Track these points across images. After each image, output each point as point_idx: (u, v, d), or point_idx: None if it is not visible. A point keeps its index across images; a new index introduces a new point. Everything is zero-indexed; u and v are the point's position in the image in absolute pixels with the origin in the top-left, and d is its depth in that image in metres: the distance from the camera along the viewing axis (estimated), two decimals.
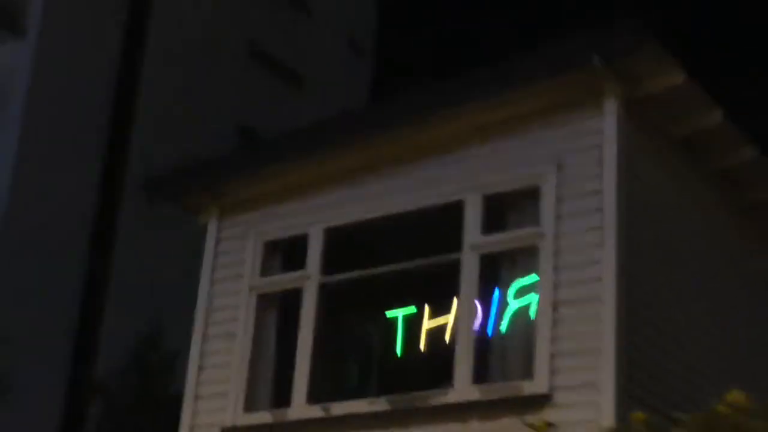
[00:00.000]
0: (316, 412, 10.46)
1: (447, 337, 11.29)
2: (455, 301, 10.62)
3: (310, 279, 11.02)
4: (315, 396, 10.62)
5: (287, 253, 11.44)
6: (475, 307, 10.09)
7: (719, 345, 10.63)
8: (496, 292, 10.16)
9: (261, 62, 38.42)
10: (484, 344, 10.02)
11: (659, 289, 9.94)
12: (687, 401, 9.88)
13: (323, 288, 11.02)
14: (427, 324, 11.80)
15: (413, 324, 12.04)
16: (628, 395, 9.14)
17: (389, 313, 12.15)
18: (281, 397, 10.89)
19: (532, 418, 9.15)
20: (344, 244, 11.19)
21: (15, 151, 31.30)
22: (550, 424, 8.99)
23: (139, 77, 35.33)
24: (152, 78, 35.25)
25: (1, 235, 30.24)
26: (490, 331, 10.18)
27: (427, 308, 11.83)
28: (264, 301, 11.33)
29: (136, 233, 30.60)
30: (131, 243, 30.98)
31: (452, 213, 10.38)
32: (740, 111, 10.83)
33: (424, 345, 11.79)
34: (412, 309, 11.90)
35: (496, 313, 10.18)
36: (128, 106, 34.74)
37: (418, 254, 10.61)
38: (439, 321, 11.60)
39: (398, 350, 12.01)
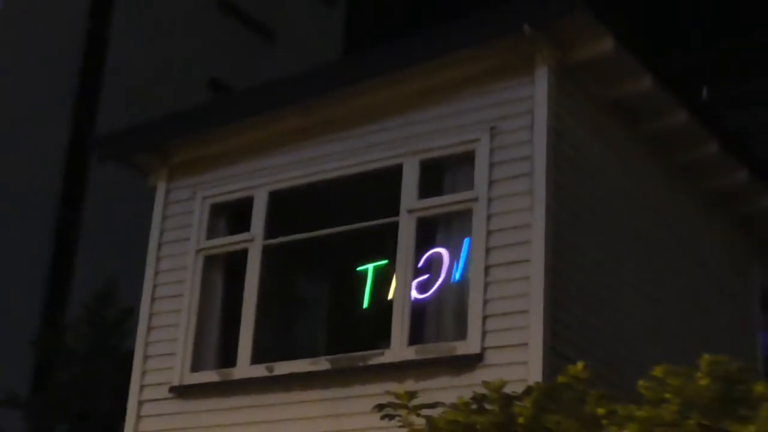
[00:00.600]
0: (260, 371, 10.74)
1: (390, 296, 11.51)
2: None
3: (254, 241, 11.26)
4: (260, 356, 10.91)
5: (234, 215, 11.67)
6: (412, 269, 10.33)
7: (652, 305, 10.94)
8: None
9: (231, 15, 38.49)
10: (420, 305, 10.29)
11: (589, 252, 10.21)
12: (617, 359, 10.27)
13: (267, 250, 11.27)
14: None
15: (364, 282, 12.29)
16: (556, 354, 9.44)
17: (360, 268, 12.33)
18: (228, 357, 11.18)
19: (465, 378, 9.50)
20: (289, 207, 11.44)
21: None
22: None
23: (109, 31, 35.41)
24: (122, 32, 35.34)
25: None
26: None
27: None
28: (211, 262, 11.58)
29: (106, 190, 30.80)
30: (100, 199, 31.22)
31: (392, 176, 10.63)
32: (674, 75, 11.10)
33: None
34: (384, 262, 11.97)
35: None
36: (97, 60, 34.83)
37: (360, 217, 10.86)
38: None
39: (365, 303, 12.21)
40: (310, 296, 13.48)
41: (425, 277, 10.36)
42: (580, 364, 8.08)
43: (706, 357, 7.22)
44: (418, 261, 10.35)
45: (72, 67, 34.18)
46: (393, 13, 42.60)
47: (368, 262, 11.84)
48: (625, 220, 10.87)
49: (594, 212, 10.42)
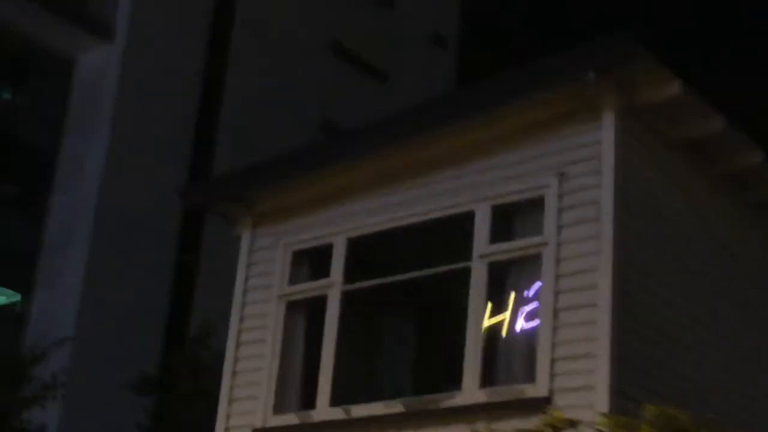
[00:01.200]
0: (338, 414, 11.00)
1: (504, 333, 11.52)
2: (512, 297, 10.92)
3: (333, 287, 11.56)
4: (339, 398, 11.16)
5: (315, 261, 11.97)
6: (483, 312, 10.49)
7: (720, 346, 10.90)
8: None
9: (344, 59, 39.05)
10: (492, 348, 10.45)
11: (659, 293, 10.26)
12: (689, 399, 10.27)
13: (347, 294, 11.55)
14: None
15: None
16: (624, 396, 9.51)
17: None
18: (308, 400, 11.45)
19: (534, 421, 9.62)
20: (368, 252, 11.71)
21: (105, 154, 32.36)
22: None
23: (224, 77, 36.22)
24: (237, 77, 36.11)
25: (95, 235, 31.37)
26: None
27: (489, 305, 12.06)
28: (292, 308, 11.90)
29: (221, 230, 31.43)
30: (214, 245, 31.80)
31: (465, 222, 10.83)
32: (744, 112, 11.11)
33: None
34: None
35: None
36: (214, 106, 35.64)
37: (436, 261, 11.08)
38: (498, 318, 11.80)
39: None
40: (397, 337, 13.68)
41: (534, 306, 10.44)
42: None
43: (651, 408, 7.38)
44: (487, 304, 10.51)
45: (189, 111, 34.98)
46: (504, 52, 42.74)
47: (452, 302, 11.99)
48: (694, 260, 10.89)
49: (663, 253, 10.47)
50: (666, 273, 10.44)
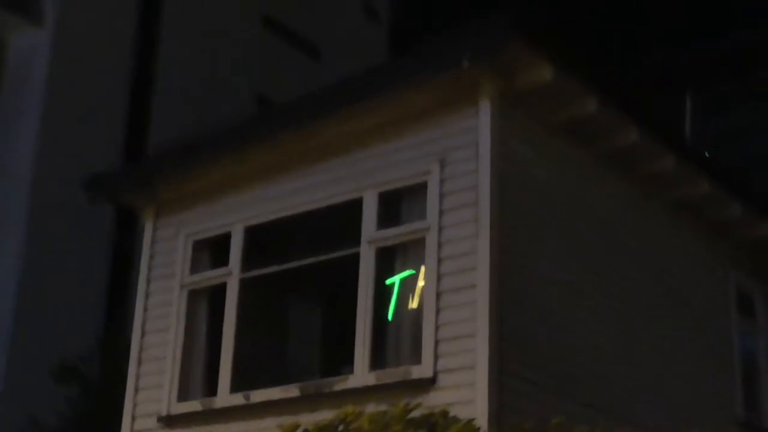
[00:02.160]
0: (238, 399, 11.35)
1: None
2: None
3: (231, 275, 11.88)
4: (244, 384, 11.51)
5: (215, 250, 12.28)
6: (372, 297, 10.86)
7: (605, 324, 11.31)
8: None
9: (276, 32, 39.17)
10: (380, 332, 10.83)
11: (542, 273, 10.62)
12: (575, 375, 10.72)
13: (246, 282, 11.88)
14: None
15: None
16: (505, 375, 9.91)
17: (388, 280, 12.82)
18: (212, 387, 11.80)
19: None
20: (265, 240, 12.05)
21: (37, 135, 32.37)
22: None
23: (156, 57, 36.31)
24: (170, 51, 36.18)
25: (28, 216, 31.43)
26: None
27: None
28: (195, 296, 12.22)
29: None
30: None
31: (354, 209, 11.18)
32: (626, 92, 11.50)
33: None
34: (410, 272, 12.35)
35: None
36: (146, 85, 35.72)
37: (333, 247, 11.42)
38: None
39: (390, 316, 12.67)
40: (304, 323, 14.04)
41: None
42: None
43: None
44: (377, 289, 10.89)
45: (121, 91, 35.01)
46: (436, 23, 42.96)
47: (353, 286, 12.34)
48: (581, 238, 11.26)
49: (547, 233, 10.83)
50: (549, 253, 10.81)
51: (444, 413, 8.71)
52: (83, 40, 33.40)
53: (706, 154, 12.92)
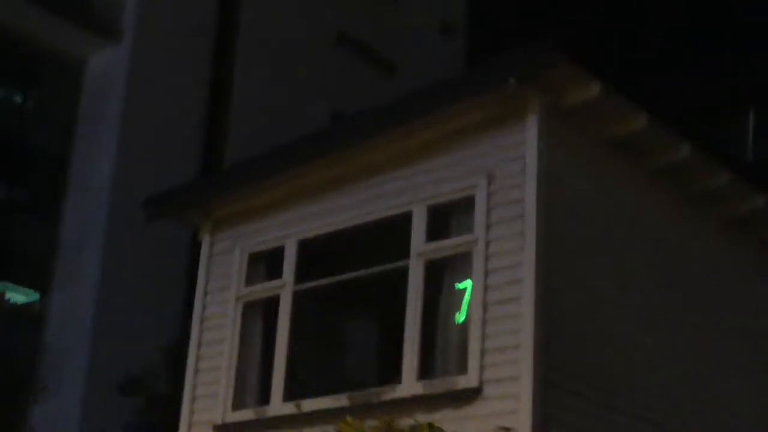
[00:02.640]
0: (290, 408, 11.64)
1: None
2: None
3: (285, 287, 12.19)
4: (292, 394, 11.81)
5: (270, 263, 12.61)
6: (421, 308, 11.11)
7: (653, 340, 11.42)
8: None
9: (351, 50, 39.56)
10: (429, 342, 11.06)
11: (587, 286, 10.79)
12: (619, 388, 10.86)
13: (300, 294, 12.18)
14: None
15: None
16: (549, 385, 10.09)
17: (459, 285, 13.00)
18: (265, 396, 12.11)
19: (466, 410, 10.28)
20: (318, 254, 12.35)
21: (115, 154, 33.06)
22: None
23: (232, 76, 36.88)
24: (246, 66, 36.72)
25: (106, 233, 32.09)
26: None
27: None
28: (249, 308, 12.55)
29: None
30: None
31: (404, 223, 11.45)
32: (669, 109, 11.62)
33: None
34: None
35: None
36: (223, 105, 36.29)
37: (380, 261, 11.69)
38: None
39: (462, 318, 12.86)
40: (360, 333, 14.31)
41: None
42: None
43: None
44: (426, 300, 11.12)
45: (198, 110, 35.55)
46: (512, 37, 42.93)
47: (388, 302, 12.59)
48: (628, 255, 11.39)
49: (593, 248, 10.99)
50: (595, 268, 10.96)
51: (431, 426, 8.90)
52: (160, 56, 34.02)
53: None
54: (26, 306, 32.45)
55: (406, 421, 9.40)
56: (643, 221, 11.68)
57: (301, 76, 37.63)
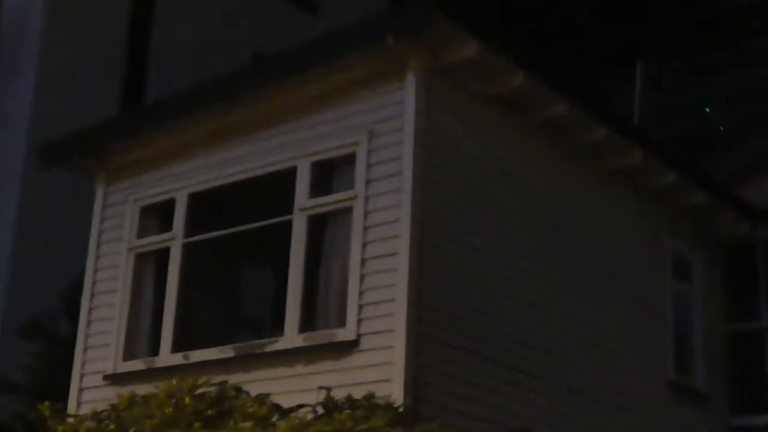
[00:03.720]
0: (178, 359, 11.93)
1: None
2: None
3: (175, 239, 12.45)
4: (180, 344, 12.11)
5: (162, 215, 12.84)
6: (303, 263, 11.42)
7: (532, 295, 11.83)
8: None
9: None
10: (311, 296, 11.39)
11: (464, 239, 11.11)
12: (492, 343, 11.26)
13: (188, 247, 12.45)
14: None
15: None
16: (425, 339, 10.45)
17: None
18: (156, 347, 12.40)
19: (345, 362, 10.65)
20: (209, 207, 12.61)
21: (33, 88, 32.83)
22: None
23: (154, 8, 36.70)
24: (167, 7, 36.56)
25: (24, 170, 32.01)
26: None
27: None
28: (141, 260, 12.79)
29: None
30: None
31: (290, 177, 11.72)
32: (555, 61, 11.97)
33: None
34: None
35: None
36: (144, 38, 36.11)
37: (268, 214, 11.96)
38: None
39: None
40: (256, 285, 14.60)
41: None
42: None
43: (190, 381, 8.66)
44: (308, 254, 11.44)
45: (119, 45, 35.29)
46: None
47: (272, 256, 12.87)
48: (508, 209, 11.73)
49: (472, 204, 11.30)
50: (474, 223, 11.27)
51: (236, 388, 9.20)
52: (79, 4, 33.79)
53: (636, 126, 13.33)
54: None
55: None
56: (523, 175, 12.02)
57: (223, 14, 37.53)
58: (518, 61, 11.43)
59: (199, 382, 9.89)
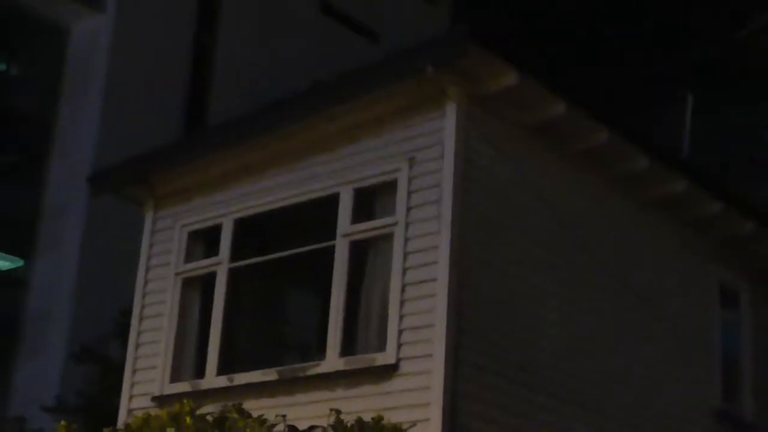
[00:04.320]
0: (223, 381, 12.16)
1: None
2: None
3: (221, 264, 12.69)
4: (225, 367, 12.33)
5: (208, 241, 13.10)
6: (345, 287, 11.59)
7: (568, 322, 11.91)
8: None
9: (334, 19, 39.89)
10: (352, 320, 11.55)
11: (502, 267, 11.25)
12: (527, 369, 11.34)
13: (234, 272, 12.68)
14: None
15: None
16: (461, 362, 10.57)
17: None
18: (201, 369, 12.63)
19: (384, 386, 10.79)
20: (255, 232, 12.84)
21: (99, 118, 33.46)
22: None
23: (215, 42, 37.24)
24: (229, 34, 37.08)
25: (87, 211, 32.50)
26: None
27: None
28: (188, 284, 13.05)
29: None
30: None
31: (333, 203, 11.93)
32: (588, 98, 12.05)
33: None
34: None
35: None
36: (205, 71, 36.66)
37: (312, 240, 12.16)
38: None
39: None
40: (303, 310, 14.80)
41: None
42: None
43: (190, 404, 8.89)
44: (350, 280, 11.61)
45: (180, 77, 35.90)
46: (495, 6, 43.25)
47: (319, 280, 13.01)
48: (545, 237, 11.82)
49: (510, 231, 11.42)
50: (511, 250, 11.41)
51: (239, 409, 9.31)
52: (143, 23, 34.37)
53: (681, 155, 13.36)
54: (11, 272, 32.95)
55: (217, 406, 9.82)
56: (561, 204, 12.10)
57: (284, 43, 37.99)
58: (559, 90, 11.54)
59: (243, 404, 10.18)
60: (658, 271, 13.24)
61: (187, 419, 8.62)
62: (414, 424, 9.24)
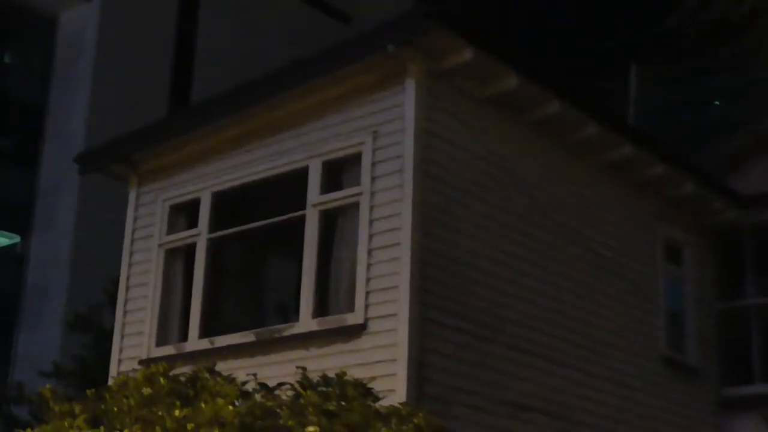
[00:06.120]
0: (204, 344, 12.15)
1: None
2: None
3: (200, 235, 12.67)
4: (207, 331, 12.32)
5: (189, 213, 13.06)
6: (316, 255, 11.58)
7: (528, 280, 11.95)
8: None
9: (309, 2, 39.78)
10: (324, 284, 11.55)
11: (461, 232, 11.24)
12: (489, 325, 11.36)
13: (214, 242, 12.65)
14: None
15: None
16: (426, 321, 10.60)
17: None
18: (185, 333, 12.61)
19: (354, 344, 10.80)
20: (233, 204, 12.82)
21: (88, 103, 33.31)
22: None
23: (197, 24, 37.11)
24: (209, 24, 36.96)
25: (79, 190, 32.38)
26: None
27: None
28: (171, 255, 13.02)
29: None
30: None
31: (303, 176, 11.90)
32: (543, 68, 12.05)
33: None
34: None
35: None
36: (189, 51, 36.52)
37: (285, 211, 12.13)
38: None
39: None
40: (281, 275, 14.78)
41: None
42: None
43: (164, 365, 8.70)
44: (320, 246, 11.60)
45: (164, 63, 35.78)
46: None
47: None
48: (505, 201, 11.83)
49: (470, 197, 11.43)
50: (472, 214, 11.41)
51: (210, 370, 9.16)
52: (128, 13, 34.22)
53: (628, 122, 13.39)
54: (9, 248, 32.86)
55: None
56: (519, 170, 12.12)
57: (263, 28, 37.86)
58: (512, 63, 11.52)
59: (224, 365, 10.12)
60: (610, 230, 13.29)
61: (161, 380, 8.58)
62: (374, 378, 9.23)
